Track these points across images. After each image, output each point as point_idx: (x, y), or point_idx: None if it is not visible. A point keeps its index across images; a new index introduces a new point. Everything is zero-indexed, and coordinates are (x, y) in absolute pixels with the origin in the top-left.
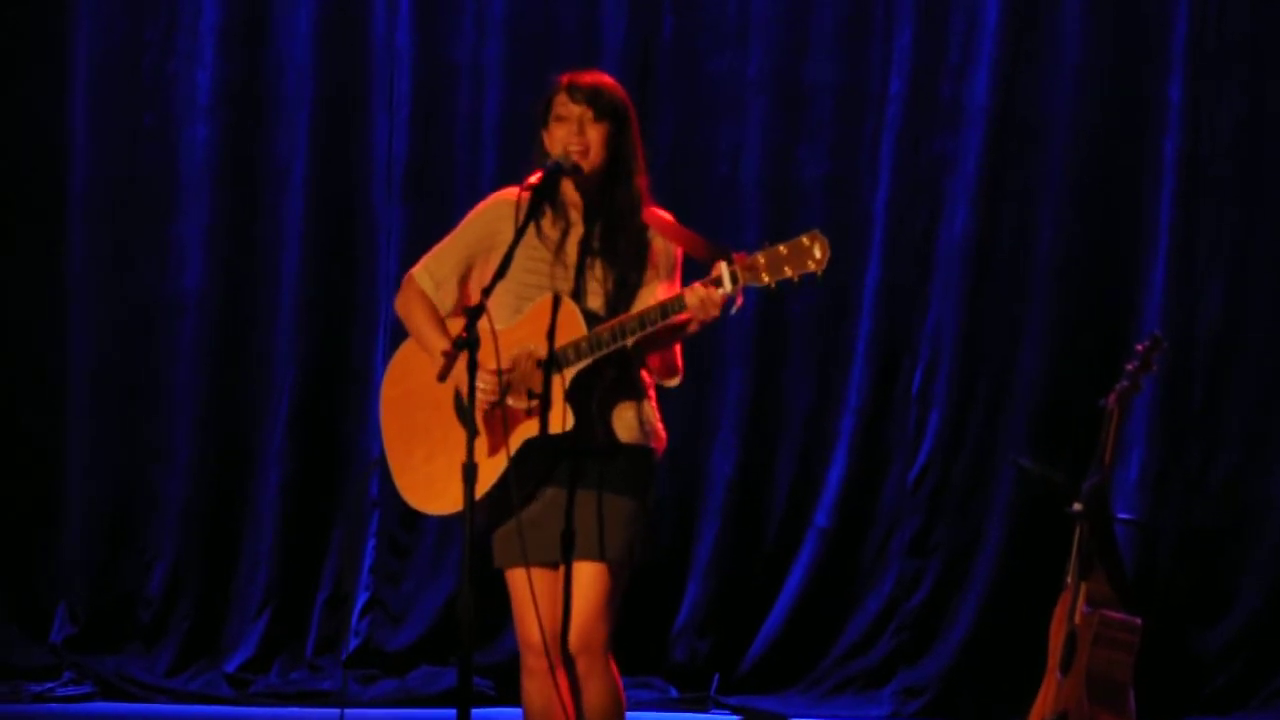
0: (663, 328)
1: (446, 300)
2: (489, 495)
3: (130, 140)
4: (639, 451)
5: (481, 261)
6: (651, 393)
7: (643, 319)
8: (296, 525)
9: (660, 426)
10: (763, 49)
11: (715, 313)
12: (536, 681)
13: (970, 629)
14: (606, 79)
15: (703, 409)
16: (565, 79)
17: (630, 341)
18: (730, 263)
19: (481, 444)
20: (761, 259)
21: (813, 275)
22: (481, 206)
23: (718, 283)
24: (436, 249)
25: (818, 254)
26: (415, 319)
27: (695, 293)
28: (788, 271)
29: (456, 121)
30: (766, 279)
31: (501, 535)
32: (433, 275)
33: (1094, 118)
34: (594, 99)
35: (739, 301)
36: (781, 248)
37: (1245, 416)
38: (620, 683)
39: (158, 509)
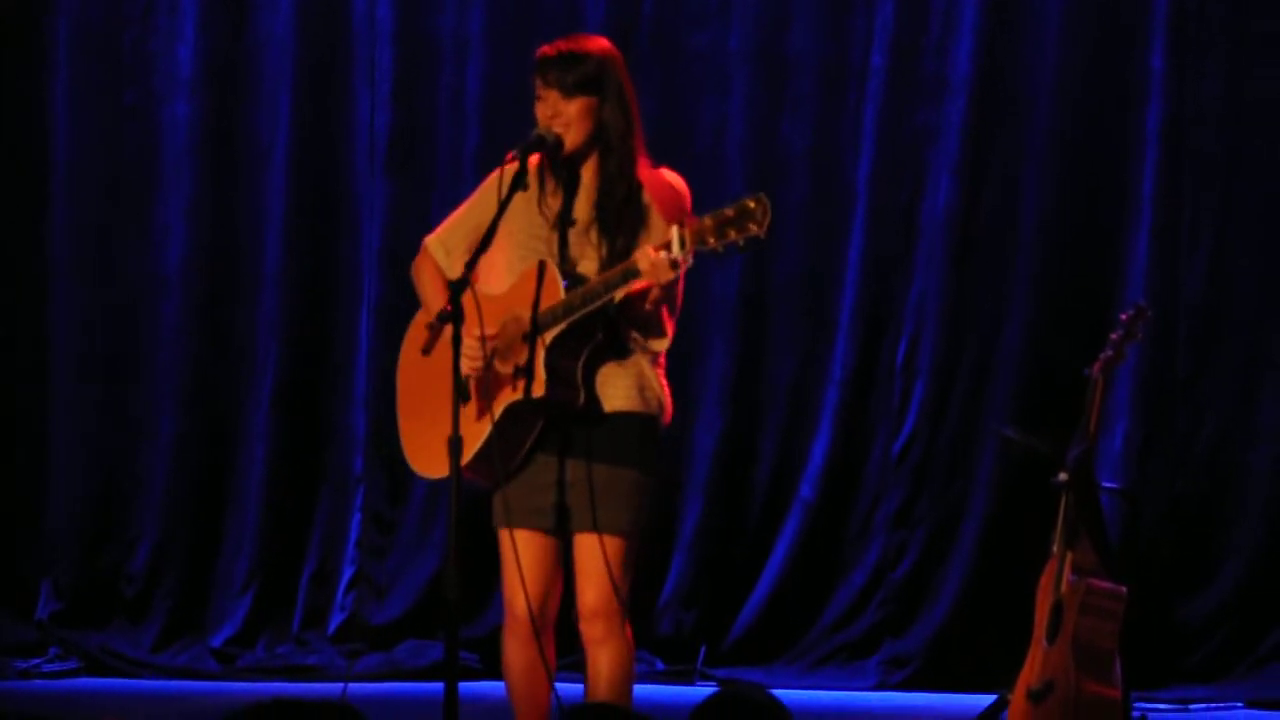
0: (634, 291)
1: (457, 268)
2: (478, 460)
3: (111, 118)
4: (640, 419)
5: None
6: (661, 360)
7: (606, 282)
8: (281, 501)
9: (667, 395)
10: (744, 22)
11: (668, 275)
12: (519, 642)
13: (955, 599)
14: (582, 46)
15: (686, 382)
16: (539, 54)
17: (598, 304)
18: (681, 226)
19: (470, 410)
20: (708, 221)
21: (757, 239)
22: (491, 177)
23: (668, 246)
24: (450, 218)
25: (759, 216)
26: (424, 288)
27: (646, 256)
28: (732, 234)
29: (439, 95)
30: (713, 242)
31: (498, 498)
32: (444, 244)
33: (1076, 88)
34: (562, 80)
35: (685, 263)
36: (727, 210)
37: (1229, 386)
38: (633, 651)
39: (142, 486)
